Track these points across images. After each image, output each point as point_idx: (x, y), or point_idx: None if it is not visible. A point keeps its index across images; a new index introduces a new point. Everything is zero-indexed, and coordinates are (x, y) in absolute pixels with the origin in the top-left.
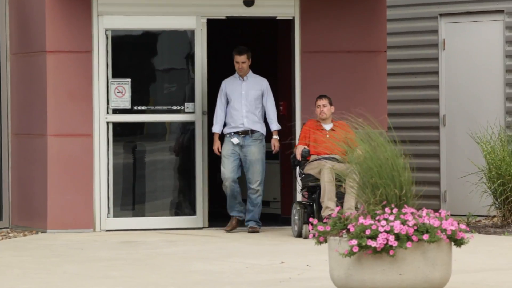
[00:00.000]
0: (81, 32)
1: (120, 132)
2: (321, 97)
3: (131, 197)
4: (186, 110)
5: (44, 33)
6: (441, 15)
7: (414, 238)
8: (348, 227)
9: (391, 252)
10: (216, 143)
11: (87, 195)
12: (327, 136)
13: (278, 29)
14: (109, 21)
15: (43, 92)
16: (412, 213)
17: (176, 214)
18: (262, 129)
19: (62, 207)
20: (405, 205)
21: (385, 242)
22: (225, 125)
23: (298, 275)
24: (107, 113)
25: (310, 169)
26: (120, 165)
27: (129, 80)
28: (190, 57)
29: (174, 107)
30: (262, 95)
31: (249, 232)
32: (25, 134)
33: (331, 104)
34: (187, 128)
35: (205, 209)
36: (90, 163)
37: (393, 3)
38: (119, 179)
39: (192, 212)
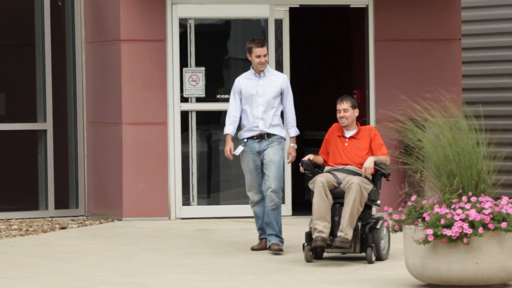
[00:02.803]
0: (155, 21)
1: (195, 120)
2: (342, 99)
3: (205, 185)
4: None
5: (119, 22)
6: None
7: (491, 226)
8: (423, 215)
9: (465, 240)
10: (229, 144)
11: (161, 183)
12: (346, 144)
13: (350, 17)
14: (183, 9)
15: (117, 80)
16: (489, 201)
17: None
18: (281, 132)
19: (137, 195)
20: (482, 194)
21: (460, 231)
22: (239, 127)
23: (373, 264)
24: (181, 101)
25: (310, 183)
26: (194, 154)
27: (203, 68)
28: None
29: None
30: (282, 93)
31: (273, 253)
32: (100, 123)
33: (354, 107)
34: None
35: (289, 198)
36: (164, 152)
37: None
38: (193, 167)
39: None
